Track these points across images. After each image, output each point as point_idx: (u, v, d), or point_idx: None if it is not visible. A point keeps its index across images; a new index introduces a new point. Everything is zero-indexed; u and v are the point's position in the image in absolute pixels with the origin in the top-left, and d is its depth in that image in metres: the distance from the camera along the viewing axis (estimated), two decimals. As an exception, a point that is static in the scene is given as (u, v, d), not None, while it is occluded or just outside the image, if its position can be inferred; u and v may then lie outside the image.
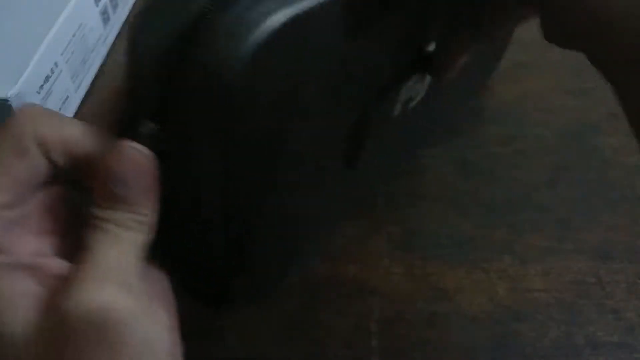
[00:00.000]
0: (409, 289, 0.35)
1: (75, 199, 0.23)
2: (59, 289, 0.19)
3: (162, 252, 0.23)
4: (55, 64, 0.43)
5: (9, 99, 0.38)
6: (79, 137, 0.21)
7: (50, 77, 0.43)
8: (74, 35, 0.46)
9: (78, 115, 0.47)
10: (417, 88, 0.32)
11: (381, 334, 0.34)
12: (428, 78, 0.32)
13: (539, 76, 0.41)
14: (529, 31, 0.53)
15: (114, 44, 0.53)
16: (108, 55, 0.52)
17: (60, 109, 0.44)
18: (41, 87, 0.42)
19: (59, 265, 0.20)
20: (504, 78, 0.47)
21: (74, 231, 0.22)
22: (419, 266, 0.37)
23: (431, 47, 0.30)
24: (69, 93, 0.46)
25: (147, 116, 0.22)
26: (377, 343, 0.33)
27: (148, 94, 0.22)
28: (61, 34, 0.44)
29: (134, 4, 0.57)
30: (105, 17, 0.51)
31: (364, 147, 0.31)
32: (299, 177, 0.28)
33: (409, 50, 0.30)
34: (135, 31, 0.22)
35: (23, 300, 0.19)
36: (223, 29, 0.21)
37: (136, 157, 0.20)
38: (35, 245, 0.20)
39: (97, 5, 0.50)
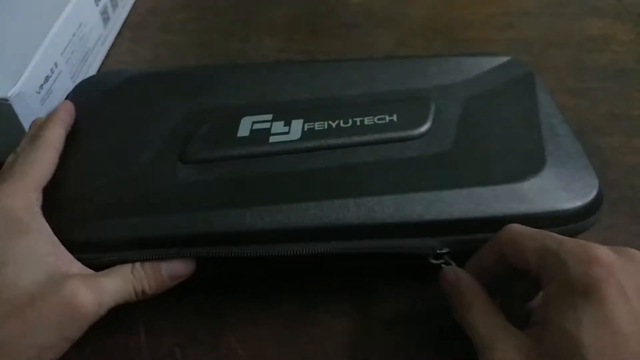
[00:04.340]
0: (409, 289, 0.35)
1: None
2: None
3: None
4: (55, 64, 0.43)
5: (9, 99, 0.38)
6: None
7: (50, 77, 0.43)
8: (74, 35, 0.46)
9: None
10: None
11: (381, 334, 0.34)
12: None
13: (539, 76, 0.41)
14: (529, 31, 0.53)
15: (113, 44, 0.53)
16: (108, 55, 0.52)
17: (60, 109, 0.44)
18: (41, 87, 0.42)
19: None
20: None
21: None
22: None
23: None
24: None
25: None
26: (377, 343, 0.33)
27: None
28: (61, 34, 0.44)
29: (134, 4, 0.57)
30: (105, 17, 0.51)
31: None
32: None
33: None
34: None
35: None
36: None
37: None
38: None
39: (97, 5, 0.50)
